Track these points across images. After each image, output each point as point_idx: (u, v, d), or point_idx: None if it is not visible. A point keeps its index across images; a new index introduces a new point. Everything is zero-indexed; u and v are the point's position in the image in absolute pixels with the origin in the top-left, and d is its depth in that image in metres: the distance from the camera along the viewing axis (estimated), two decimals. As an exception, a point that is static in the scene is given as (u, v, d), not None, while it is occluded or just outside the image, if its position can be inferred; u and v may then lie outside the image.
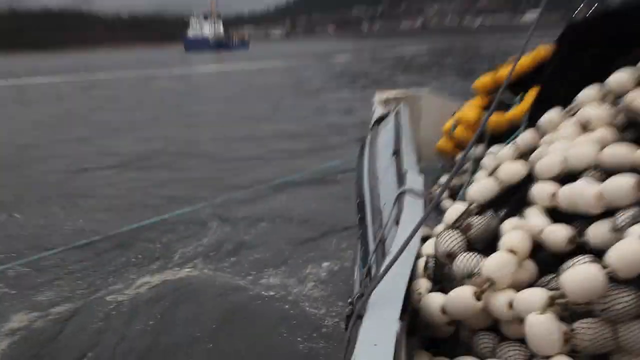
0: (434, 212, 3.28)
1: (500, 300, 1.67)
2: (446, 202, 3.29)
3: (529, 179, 2.17)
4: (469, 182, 3.25)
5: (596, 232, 1.74)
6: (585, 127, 2.24)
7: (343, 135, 12.34)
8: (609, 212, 1.75)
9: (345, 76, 28.24)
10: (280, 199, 8.22)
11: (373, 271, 1.97)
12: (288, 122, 14.91)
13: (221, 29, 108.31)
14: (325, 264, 5.94)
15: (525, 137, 2.62)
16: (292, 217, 7.52)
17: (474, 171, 3.33)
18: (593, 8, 3.50)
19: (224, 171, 9.91)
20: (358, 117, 14.02)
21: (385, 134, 3.72)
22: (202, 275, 5.86)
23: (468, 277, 1.76)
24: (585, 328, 1.49)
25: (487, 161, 2.95)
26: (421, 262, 1.98)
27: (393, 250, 1.86)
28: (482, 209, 2.13)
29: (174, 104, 20.08)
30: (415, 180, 2.49)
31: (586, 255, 1.63)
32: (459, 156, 3.95)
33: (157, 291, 5.54)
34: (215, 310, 5.08)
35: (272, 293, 5.40)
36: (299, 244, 6.58)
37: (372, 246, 2.24)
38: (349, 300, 1.99)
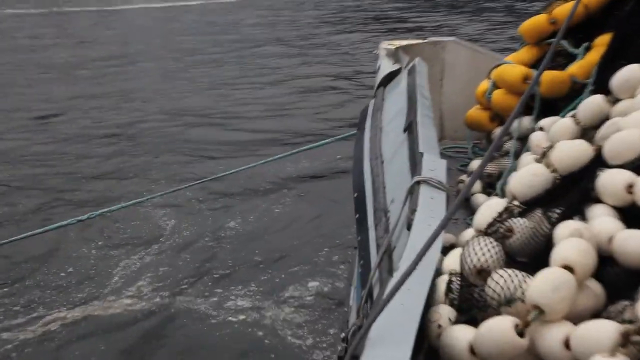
0: (461, 211, 3.31)
1: (552, 337, 1.65)
2: (478, 197, 3.30)
3: (595, 164, 2.16)
4: (511, 169, 3.27)
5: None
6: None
7: (346, 110, 12.26)
8: None
9: (343, 16, 28.12)
10: (255, 191, 8.24)
11: (375, 294, 1.97)
12: (265, 87, 14.80)
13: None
14: (312, 284, 6.04)
15: (591, 104, 2.62)
16: (269, 217, 7.56)
17: (518, 153, 3.34)
18: None
19: (179, 162, 9.84)
20: (367, 85, 13.98)
21: (395, 100, 3.71)
22: (150, 303, 5.93)
23: (507, 303, 1.75)
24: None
25: (537, 139, 2.94)
26: (442, 282, 1.98)
27: (403, 264, 1.85)
28: (528, 207, 2.12)
29: (100, 59, 19.86)
30: (435, 165, 2.47)
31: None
32: (497, 132, 3.94)
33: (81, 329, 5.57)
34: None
35: (241, 317, 5.56)
36: (278, 254, 6.68)
37: (374, 259, 2.23)
38: (342, 335, 1.98)
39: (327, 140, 6.76)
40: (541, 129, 3.10)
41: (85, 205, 7.83)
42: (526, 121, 3.63)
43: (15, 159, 10.21)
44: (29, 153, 10.55)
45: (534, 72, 3.80)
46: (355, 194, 2.95)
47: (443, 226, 1.81)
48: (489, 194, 3.35)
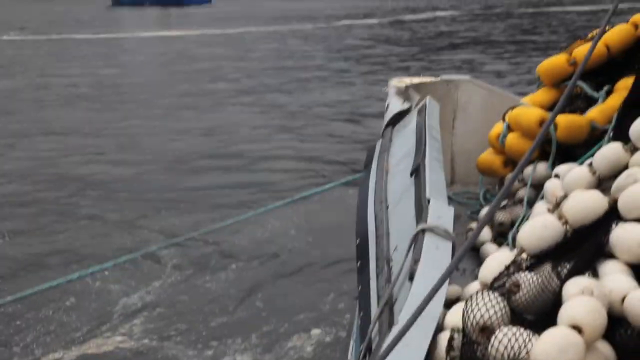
0: (470, 261, 3.31)
1: (558, 403, 1.65)
2: (488, 248, 3.30)
3: (610, 217, 2.17)
4: (524, 219, 3.28)
5: None
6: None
7: (352, 152, 12.21)
8: None
9: (360, 55, 28.19)
10: (257, 239, 8.26)
11: (374, 347, 1.98)
12: (268, 127, 14.59)
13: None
14: (315, 331, 6.08)
15: (608, 153, 2.63)
16: (273, 264, 7.62)
17: (533, 201, 3.34)
18: None
19: (176, 210, 9.74)
20: (374, 125, 13.93)
21: (403, 141, 3.73)
22: (141, 348, 5.98)
23: (511, 364, 1.75)
24: None
25: (552, 187, 2.95)
26: (443, 338, 1.98)
27: (403, 317, 1.87)
28: (537, 260, 2.12)
29: (93, 89, 19.88)
30: (442, 212, 2.49)
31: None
32: (509, 178, 3.96)
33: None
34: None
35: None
36: (281, 302, 6.73)
37: (374, 310, 2.24)
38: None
39: (330, 185, 6.78)
40: (557, 176, 3.11)
41: (78, 260, 7.80)
42: (541, 167, 3.64)
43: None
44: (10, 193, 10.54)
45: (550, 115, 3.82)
46: (357, 241, 2.95)
47: (445, 278, 1.82)
48: (500, 244, 3.35)
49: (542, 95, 4.20)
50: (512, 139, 3.98)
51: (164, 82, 21.30)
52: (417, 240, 2.31)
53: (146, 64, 26.55)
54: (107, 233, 8.77)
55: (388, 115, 4.43)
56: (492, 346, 1.81)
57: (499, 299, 1.93)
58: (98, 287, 6.97)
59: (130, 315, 6.50)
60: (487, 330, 1.86)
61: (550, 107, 4.01)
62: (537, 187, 3.49)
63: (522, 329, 1.81)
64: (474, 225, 3.75)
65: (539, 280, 1.96)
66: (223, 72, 22.83)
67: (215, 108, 16.78)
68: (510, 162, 4.03)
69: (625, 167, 2.52)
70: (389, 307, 2.12)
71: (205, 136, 13.93)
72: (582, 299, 1.82)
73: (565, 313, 1.80)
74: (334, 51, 28.98)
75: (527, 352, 1.73)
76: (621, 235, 2.04)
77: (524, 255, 2.18)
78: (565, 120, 3.68)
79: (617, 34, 4.03)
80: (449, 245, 2.29)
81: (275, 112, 16.23)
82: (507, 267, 2.09)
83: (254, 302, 6.74)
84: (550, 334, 1.74)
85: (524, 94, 4.66)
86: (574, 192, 2.39)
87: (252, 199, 9.63)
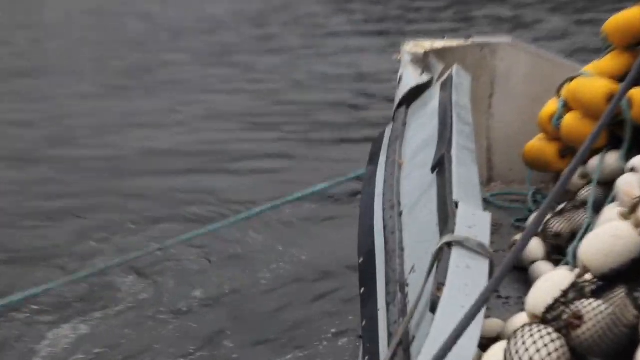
0: (515, 286, 3.30)
1: None
2: (540, 267, 3.30)
3: None
4: (588, 227, 3.26)
5: None
6: None
7: (353, 141, 12.26)
8: None
9: (367, 11, 28.30)
10: (234, 253, 8.29)
11: None
12: (246, 117, 14.61)
13: None
14: None
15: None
16: (254, 286, 7.63)
17: (599, 205, 3.33)
18: None
19: (133, 221, 9.74)
20: (383, 104, 14.00)
21: (422, 125, 3.75)
22: None
23: None
24: None
25: (625, 185, 2.94)
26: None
27: (423, 361, 1.85)
28: (606, 283, 2.12)
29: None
30: (475, 220, 2.50)
31: None
32: (567, 172, 3.95)
33: None
34: None
35: None
36: (263, 337, 6.72)
37: (384, 353, 2.27)
38: None
39: (324, 185, 6.77)
40: (633, 170, 3.10)
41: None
42: (611, 158, 3.63)
43: None
44: None
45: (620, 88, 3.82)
46: (361, 259, 2.95)
47: (479, 308, 1.80)
48: (556, 263, 3.34)
49: (611, 61, 4.18)
50: (571, 120, 3.98)
51: (101, 48, 21.33)
52: (441, 258, 2.32)
53: (73, 23, 26.58)
54: (42, 250, 8.74)
55: (401, 91, 4.44)
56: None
57: (555, 335, 1.94)
58: (23, 320, 6.98)
59: (59, 358, 6.49)
60: (538, 379, 1.86)
61: (621, 78, 3.99)
62: (606, 186, 3.46)
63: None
64: (519, 236, 3.74)
65: (610, 309, 1.96)
66: (182, 35, 22.93)
67: (172, 85, 16.80)
68: (569, 151, 4.02)
69: None
70: (403, 348, 2.14)
71: (159, 122, 13.98)
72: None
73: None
74: (332, 6, 29.13)
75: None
76: None
77: (589, 277, 2.17)
78: (640, 94, 3.67)
79: None
80: (485, 263, 2.29)
81: (251, 91, 16.27)
82: (565, 293, 2.09)
83: (223, 341, 6.69)
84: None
85: (589, 62, 4.62)
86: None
87: (223, 207, 9.67)
